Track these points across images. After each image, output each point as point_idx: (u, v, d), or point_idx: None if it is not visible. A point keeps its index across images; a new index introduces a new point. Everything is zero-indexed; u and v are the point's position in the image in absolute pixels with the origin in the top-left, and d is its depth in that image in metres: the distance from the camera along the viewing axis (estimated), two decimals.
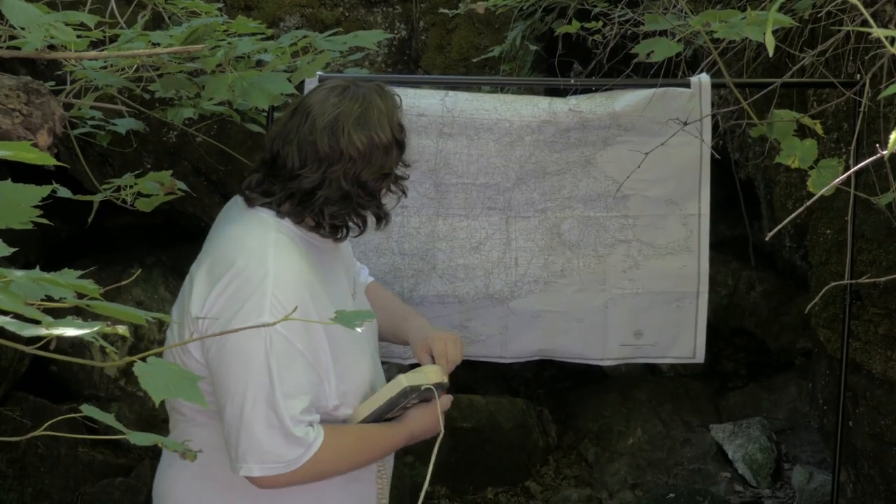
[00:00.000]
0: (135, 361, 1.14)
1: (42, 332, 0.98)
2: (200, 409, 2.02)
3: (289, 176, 2.03)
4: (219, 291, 1.95)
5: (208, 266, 2.02)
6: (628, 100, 2.90)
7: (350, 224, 2.11)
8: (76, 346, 4.34)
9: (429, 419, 2.17)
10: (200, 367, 1.99)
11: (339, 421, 2.07)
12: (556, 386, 5.31)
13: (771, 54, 1.51)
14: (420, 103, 2.88)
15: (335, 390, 2.04)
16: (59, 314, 1.11)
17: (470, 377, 5.05)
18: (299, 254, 2.02)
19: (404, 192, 2.17)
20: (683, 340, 3.04)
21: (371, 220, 2.13)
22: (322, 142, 2.01)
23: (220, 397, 1.95)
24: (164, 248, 5.23)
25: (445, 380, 2.23)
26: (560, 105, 2.91)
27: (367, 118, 2.04)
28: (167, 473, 2.19)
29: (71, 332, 0.97)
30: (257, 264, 1.96)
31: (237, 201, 2.17)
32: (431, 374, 2.18)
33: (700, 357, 3.06)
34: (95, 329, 0.97)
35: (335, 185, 2.02)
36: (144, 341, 4.55)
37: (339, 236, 2.11)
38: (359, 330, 1.11)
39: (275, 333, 1.89)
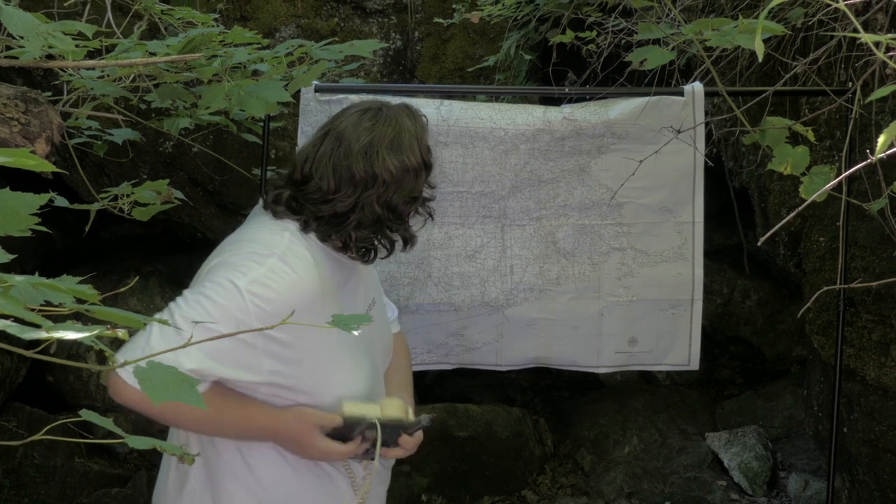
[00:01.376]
0: (133, 365, 1.15)
1: (42, 335, 0.99)
2: None
3: (322, 199, 2.02)
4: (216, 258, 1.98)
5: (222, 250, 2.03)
6: (622, 108, 2.92)
7: (378, 246, 2.10)
8: (73, 356, 4.34)
9: (302, 434, 2.01)
10: None
11: None
12: (553, 395, 5.32)
13: (760, 60, 1.52)
14: None
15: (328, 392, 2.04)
16: (57, 322, 1.12)
17: (466, 386, 5.06)
18: (313, 263, 2.01)
19: (431, 215, 2.16)
20: (678, 348, 3.05)
21: (399, 242, 2.13)
22: (358, 166, 2.00)
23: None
24: (160, 258, 5.24)
25: (407, 417, 2.08)
26: (554, 113, 2.93)
27: (399, 142, 2.04)
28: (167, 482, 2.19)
29: (71, 335, 0.97)
30: (265, 247, 1.96)
31: (258, 213, 2.15)
32: (389, 408, 2.05)
33: (695, 364, 3.07)
34: (95, 332, 0.98)
35: (368, 209, 2.01)
36: None
37: (367, 258, 2.10)
38: (355, 333, 1.12)
39: (254, 297, 1.87)
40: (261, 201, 2.16)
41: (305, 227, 2.03)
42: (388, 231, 2.07)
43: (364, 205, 2.01)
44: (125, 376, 1.83)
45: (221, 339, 1.80)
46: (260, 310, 1.87)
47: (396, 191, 2.02)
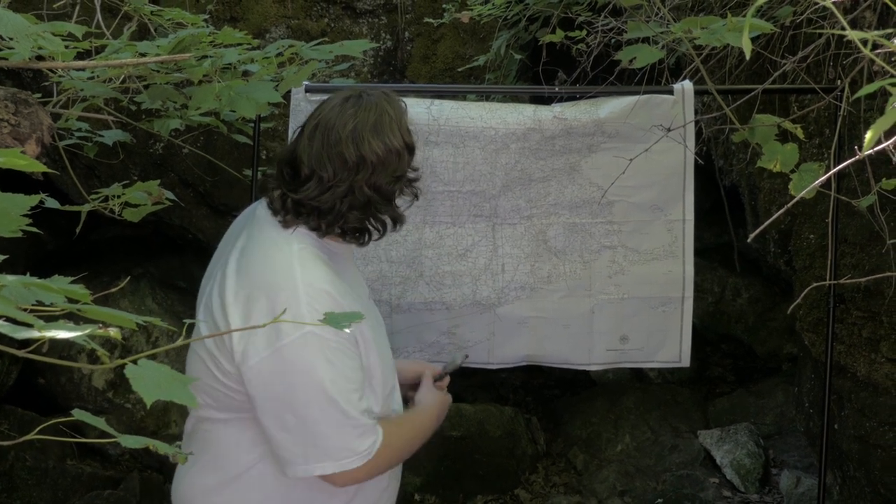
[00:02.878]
0: (125, 365, 1.15)
1: (34, 334, 0.99)
2: (229, 410, 2.10)
3: (323, 190, 2.08)
4: (257, 315, 2.00)
5: (243, 291, 2.05)
6: (612, 107, 2.92)
7: (370, 228, 2.17)
8: (64, 358, 4.33)
9: (438, 397, 2.36)
10: (232, 381, 2.05)
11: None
12: (545, 393, 5.32)
13: (748, 58, 1.53)
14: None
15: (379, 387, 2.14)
16: (49, 322, 1.12)
17: (458, 385, 5.06)
18: (324, 262, 2.08)
19: (416, 195, 2.24)
20: (669, 345, 3.06)
21: (388, 222, 2.20)
22: (348, 151, 2.07)
23: (271, 408, 2.01)
24: (151, 259, 5.23)
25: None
26: (545, 112, 2.93)
27: (381, 125, 2.11)
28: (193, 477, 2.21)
29: (63, 334, 0.98)
30: (285, 278, 2.02)
31: (258, 216, 2.18)
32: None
33: (686, 361, 3.08)
34: (87, 331, 0.98)
35: (359, 192, 2.08)
36: (132, 352, 4.55)
37: (362, 241, 2.18)
38: (349, 330, 1.13)
39: (316, 339, 1.97)
40: (261, 206, 2.18)
41: (317, 230, 2.11)
42: (377, 213, 2.14)
43: (355, 188, 2.08)
44: (332, 470, 2.01)
45: (357, 370, 2.03)
46: (336, 335, 1.99)
47: (382, 172, 2.10)
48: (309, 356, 1.97)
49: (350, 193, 2.08)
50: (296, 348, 1.96)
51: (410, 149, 2.17)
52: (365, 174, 2.08)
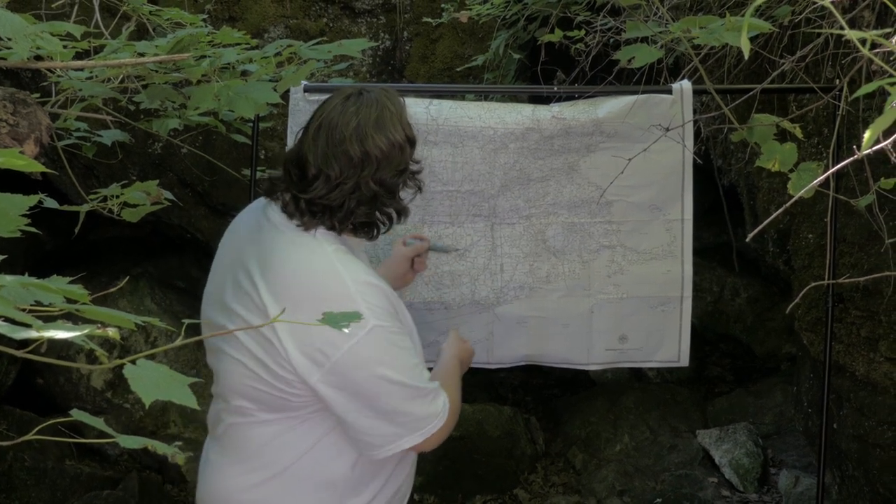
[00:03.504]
0: (124, 365, 1.15)
1: (33, 334, 0.99)
2: (276, 410, 2.14)
3: (331, 188, 2.12)
4: (318, 326, 2.01)
5: (288, 301, 2.08)
6: (611, 106, 2.92)
7: (378, 221, 2.22)
8: (63, 359, 4.33)
9: (460, 345, 2.50)
10: (285, 385, 2.11)
11: None
12: (544, 393, 5.33)
13: (747, 57, 1.53)
14: None
15: None
16: (48, 322, 1.11)
17: None
18: (355, 256, 2.18)
19: (419, 188, 2.29)
20: (668, 344, 3.05)
21: (394, 215, 2.25)
22: (353, 148, 2.11)
23: (352, 403, 2.10)
24: (150, 259, 5.23)
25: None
26: (543, 112, 2.93)
27: (383, 120, 2.15)
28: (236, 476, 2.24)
29: (61, 334, 0.97)
30: (334, 281, 2.09)
31: (274, 221, 2.19)
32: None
33: (685, 361, 3.08)
34: (86, 331, 0.98)
35: (365, 187, 2.13)
36: (131, 353, 4.55)
37: (372, 235, 2.24)
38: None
39: (382, 329, 2.07)
40: (272, 210, 2.21)
41: (332, 229, 2.15)
42: (383, 206, 2.19)
43: (362, 184, 2.12)
44: (420, 440, 2.14)
45: (412, 346, 2.16)
46: (385, 316, 2.10)
47: (387, 166, 2.14)
48: (379, 347, 2.07)
49: (357, 189, 2.12)
50: (366, 344, 2.05)
51: (412, 142, 2.21)
52: (370, 170, 2.12)
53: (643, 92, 2.90)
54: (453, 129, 2.91)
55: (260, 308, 2.10)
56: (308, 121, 2.22)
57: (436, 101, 2.96)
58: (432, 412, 2.15)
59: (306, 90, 2.86)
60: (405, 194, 2.25)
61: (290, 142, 2.84)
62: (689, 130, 2.92)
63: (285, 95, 2.78)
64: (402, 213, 2.25)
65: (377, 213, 2.19)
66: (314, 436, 2.17)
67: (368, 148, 2.11)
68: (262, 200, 2.28)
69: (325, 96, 2.86)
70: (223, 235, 2.37)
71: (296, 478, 2.18)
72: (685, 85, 2.92)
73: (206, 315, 2.28)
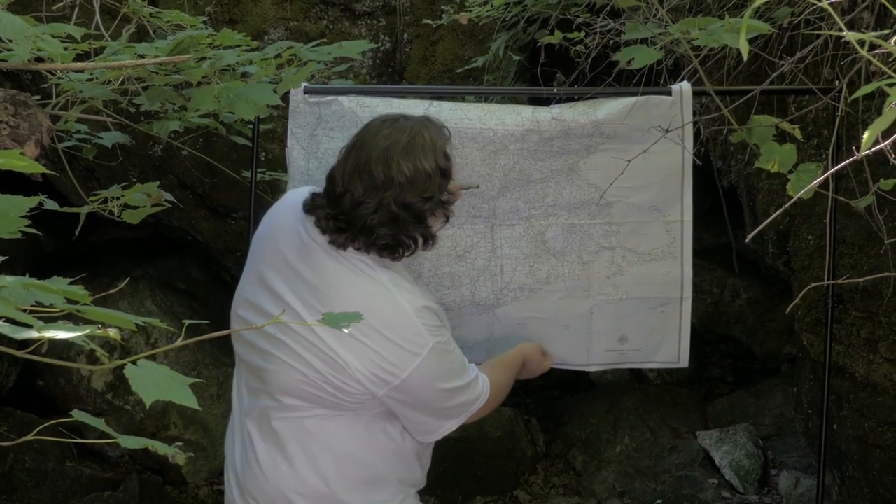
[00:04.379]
0: (125, 367, 1.16)
1: (34, 335, 0.99)
2: (339, 409, 2.27)
3: (354, 206, 2.21)
4: (384, 350, 2.22)
5: (353, 328, 2.19)
6: (611, 108, 2.92)
7: (403, 243, 2.29)
8: (64, 360, 4.33)
9: (536, 353, 2.77)
10: (347, 395, 2.26)
11: None
12: (544, 395, 5.33)
13: (745, 59, 1.54)
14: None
15: None
16: (48, 323, 1.12)
17: None
18: (405, 279, 2.33)
19: (447, 218, 2.38)
20: (668, 345, 3.05)
21: (419, 240, 2.32)
22: (377, 170, 2.20)
23: (413, 406, 2.30)
24: (150, 261, 5.23)
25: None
26: (543, 114, 2.93)
27: (413, 147, 2.24)
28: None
29: (62, 334, 0.98)
30: (396, 311, 2.24)
31: (316, 240, 2.28)
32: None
33: (684, 362, 3.08)
34: (86, 332, 0.98)
35: (386, 209, 2.21)
36: (132, 354, 4.55)
37: (397, 255, 2.30)
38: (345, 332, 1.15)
39: (438, 345, 2.26)
40: (310, 224, 2.29)
41: (359, 250, 2.25)
42: (406, 229, 2.26)
43: (383, 205, 2.21)
44: (475, 408, 2.41)
45: (458, 355, 2.38)
46: (440, 331, 2.32)
47: (411, 191, 2.22)
48: (438, 362, 2.27)
49: (379, 210, 2.21)
50: (428, 361, 2.24)
51: (444, 172, 2.29)
52: (393, 192, 2.20)
53: (643, 93, 2.90)
54: (453, 130, 2.90)
55: (317, 333, 2.22)
56: (350, 140, 2.33)
57: (436, 103, 2.96)
58: (474, 397, 2.38)
59: (306, 92, 2.87)
60: (435, 222, 2.34)
61: (290, 143, 2.85)
62: (689, 132, 2.92)
63: (285, 97, 2.78)
64: (428, 238, 2.33)
65: (402, 236, 2.26)
66: (365, 419, 2.31)
67: (392, 171, 2.20)
68: (298, 197, 2.36)
69: (325, 98, 2.88)
70: (262, 227, 2.45)
71: (352, 460, 2.32)
72: (685, 86, 2.92)
73: (253, 299, 2.35)
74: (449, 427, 2.38)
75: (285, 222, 2.37)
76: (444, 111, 2.92)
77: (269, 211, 2.49)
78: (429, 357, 2.23)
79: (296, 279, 2.28)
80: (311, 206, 2.30)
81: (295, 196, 2.41)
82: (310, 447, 2.30)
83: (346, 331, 2.10)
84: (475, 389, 2.40)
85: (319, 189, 2.35)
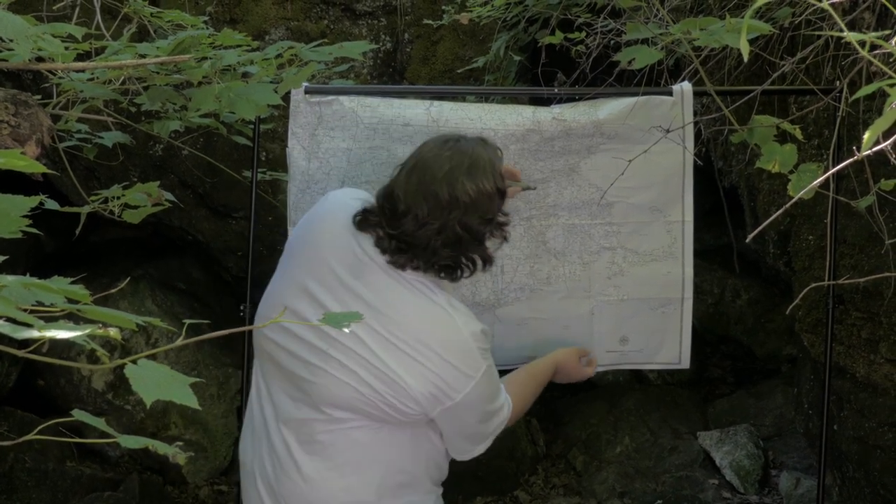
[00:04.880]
0: (125, 367, 1.16)
1: (34, 334, 0.99)
2: (386, 422, 2.30)
3: (418, 226, 2.22)
4: (442, 372, 2.26)
5: (408, 346, 2.25)
6: (611, 108, 2.92)
7: (462, 265, 2.31)
8: (64, 360, 4.33)
9: (572, 359, 2.80)
10: (399, 412, 2.30)
11: None
12: (544, 395, 5.29)
13: (746, 59, 1.53)
14: (405, 113, 2.90)
15: None
16: (49, 322, 1.11)
17: None
18: (460, 301, 2.36)
19: (505, 238, 2.39)
20: (669, 346, 3.05)
21: (479, 262, 2.34)
22: (442, 190, 2.22)
23: (458, 427, 2.38)
24: (151, 261, 5.23)
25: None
26: (544, 114, 2.93)
27: (475, 168, 2.26)
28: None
29: (63, 334, 0.98)
30: (453, 334, 2.28)
31: (374, 259, 2.29)
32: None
33: (685, 363, 3.08)
34: (87, 331, 0.98)
35: (451, 230, 2.23)
36: (132, 354, 4.55)
37: (455, 277, 2.32)
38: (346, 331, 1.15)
39: (489, 367, 2.33)
40: (366, 242, 2.30)
41: (418, 270, 2.27)
42: (468, 251, 2.28)
43: (448, 226, 2.22)
44: (504, 417, 2.45)
45: (496, 374, 2.43)
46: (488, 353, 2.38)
47: (473, 213, 2.25)
48: (488, 385, 2.33)
49: (443, 231, 2.22)
50: (481, 384, 2.29)
51: (502, 193, 2.32)
52: (458, 213, 2.22)
53: (644, 93, 2.90)
54: (454, 130, 2.91)
55: (374, 352, 2.24)
56: (406, 159, 2.34)
57: (436, 103, 2.96)
58: (499, 422, 2.43)
59: (307, 92, 2.87)
60: (491, 244, 2.35)
61: (290, 143, 2.84)
62: (690, 132, 2.92)
63: (286, 97, 2.78)
64: (487, 261, 2.35)
65: (462, 258, 2.28)
66: (410, 427, 2.34)
67: (458, 192, 2.21)
68: (348, 207, 2.35)
69: (326, 98, 2.87)
70: (306, 228, 2.43)
71: (397, 467, 2.35)
72: (685, 86, 2.92)
73: (294, 307, 2.32)
74: (477, 451, 2.46)
75: (335, 234, 2.35)
76: (445, 111, 2.92)
77: (314, 211, 2.47)
78: (481, 380, 2.29)
79: (347, 295, 2.27)
80: (365, 224, 2.30)
81: (344, 205, 2.39)
82: (359, 457, 2.31)
83: (406, 351, 2.21)
84: (501, 414, 2.44)
85: (370, 201, 2.35)
